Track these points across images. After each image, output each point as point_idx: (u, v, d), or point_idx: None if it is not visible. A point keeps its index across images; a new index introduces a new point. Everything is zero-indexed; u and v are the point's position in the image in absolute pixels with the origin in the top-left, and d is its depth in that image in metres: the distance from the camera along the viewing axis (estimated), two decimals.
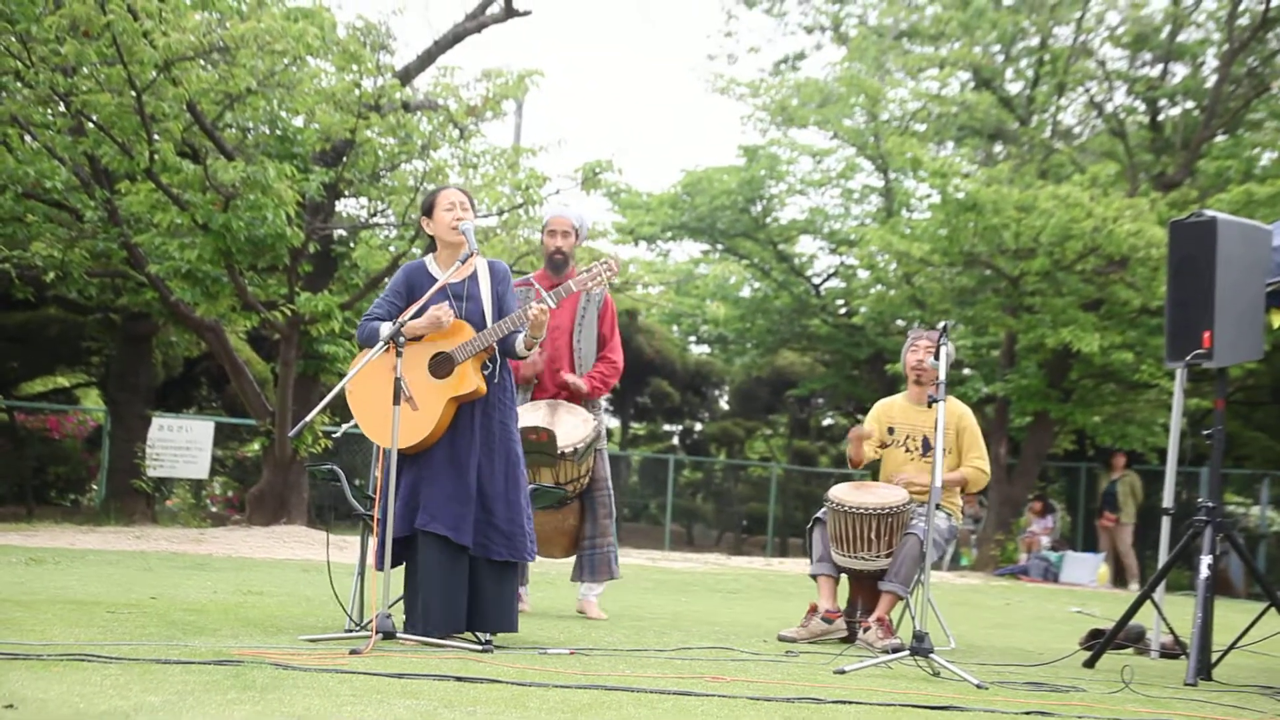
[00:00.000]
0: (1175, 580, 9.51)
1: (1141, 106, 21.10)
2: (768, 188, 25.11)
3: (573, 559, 7.59)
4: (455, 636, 5.33)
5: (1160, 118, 20.93)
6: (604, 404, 7.61)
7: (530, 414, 7.18)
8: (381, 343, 5.20)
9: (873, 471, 7.36)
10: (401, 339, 5.19)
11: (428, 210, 5.59)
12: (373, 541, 5.40)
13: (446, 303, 5.41)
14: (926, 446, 7.08)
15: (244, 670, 4.05)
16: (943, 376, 5.75)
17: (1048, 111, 21.53)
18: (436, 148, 14.13)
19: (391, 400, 5.18)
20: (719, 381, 29.43)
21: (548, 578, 9.98)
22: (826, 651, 6.21)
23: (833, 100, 23.17)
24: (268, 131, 13.44)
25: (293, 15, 12.72)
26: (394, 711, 3.52)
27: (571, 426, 7.13)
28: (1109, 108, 20.93)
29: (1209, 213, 6.57)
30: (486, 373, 5.46)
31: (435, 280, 5.49)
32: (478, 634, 5.38)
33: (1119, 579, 18.00)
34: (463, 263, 5.44)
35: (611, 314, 7.51)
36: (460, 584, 5.32)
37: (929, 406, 5.87)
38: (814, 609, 6.92)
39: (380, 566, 5.19)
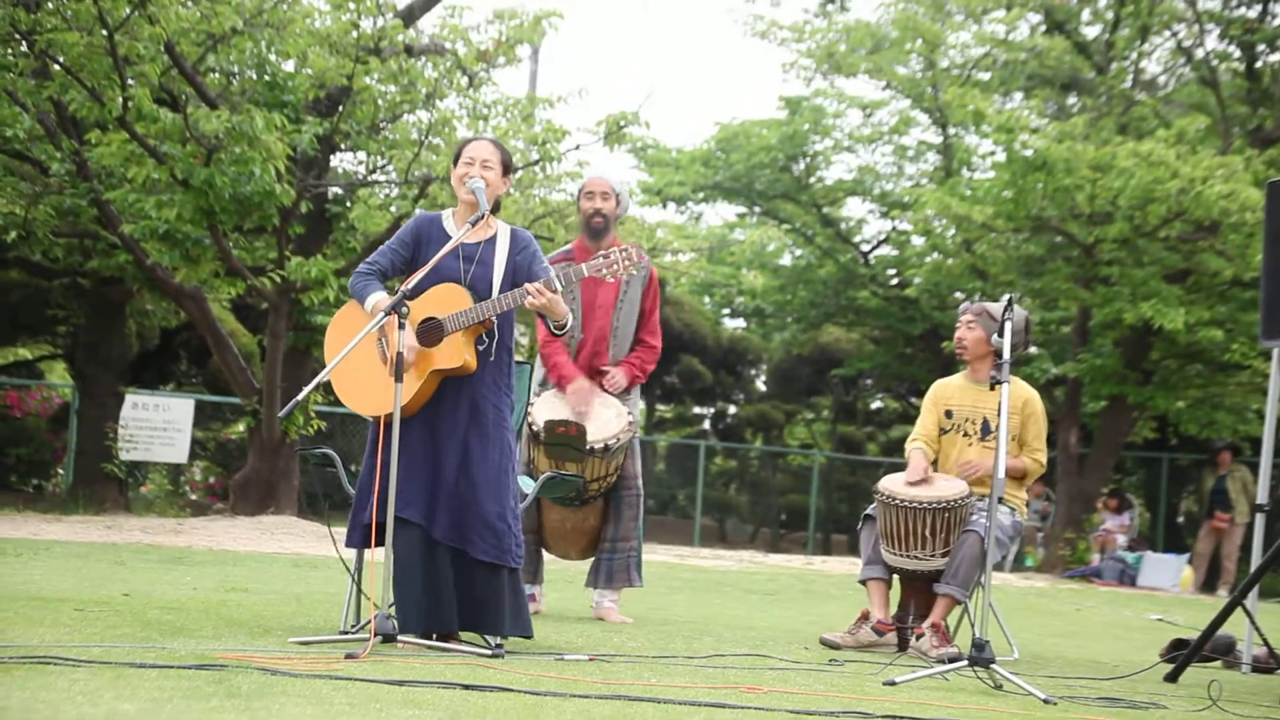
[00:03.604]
0: (1270, 585, 9.47)
1: (1236, 52, 20.90)
2: (812, 144, 25.03)
3: (589, 562, 7.61)
4: (453, 638, 5.35)
5: (1258, 65, 20.73)
6: (638, 390, 7.62)
7: (559, 403, 7.19)
8: (383, 313, 5.20)
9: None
10: (405, 309, 5.19)
11: (456, 159, 5.61)
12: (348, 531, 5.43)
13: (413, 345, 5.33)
14: (986, 430, 7.06)
15: (228, 675, 4.06)
16: (1007, 355, 5.73)
17: (1129, 58, 21.36)
18: (443, 97, 14.12)
19: (369, 363, 5.27)
20: (755, 359, 29.40)
21: (565, 576, 9.99)
22: (875, 660, 6.20)
23: (885, 45, 23.06)
24: (255, 77, 13.44)
25: None
26: None
27: (604, 421, 7.13)
28: (1199, 54, 20.75)
29: None
30: (481, 349, 5.45)
31: (447, 235, 5.50)
32: (486, 637, 5.39)
33: (1208, 584, 17.92)
34: (473, 225, 5.43)
35: (654, 289, 7.54)
36: (445, 578, 5.32)
37: (991, 388, 5.84)
38: (865, 616, 6.91)
39: (361, 544, 5.30)
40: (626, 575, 7.41)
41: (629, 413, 7.26)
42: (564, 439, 6.94)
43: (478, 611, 5.36)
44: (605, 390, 7.35)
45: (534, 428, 7.05)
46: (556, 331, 5.56)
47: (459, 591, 5.34)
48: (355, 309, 5.49)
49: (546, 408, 7.15)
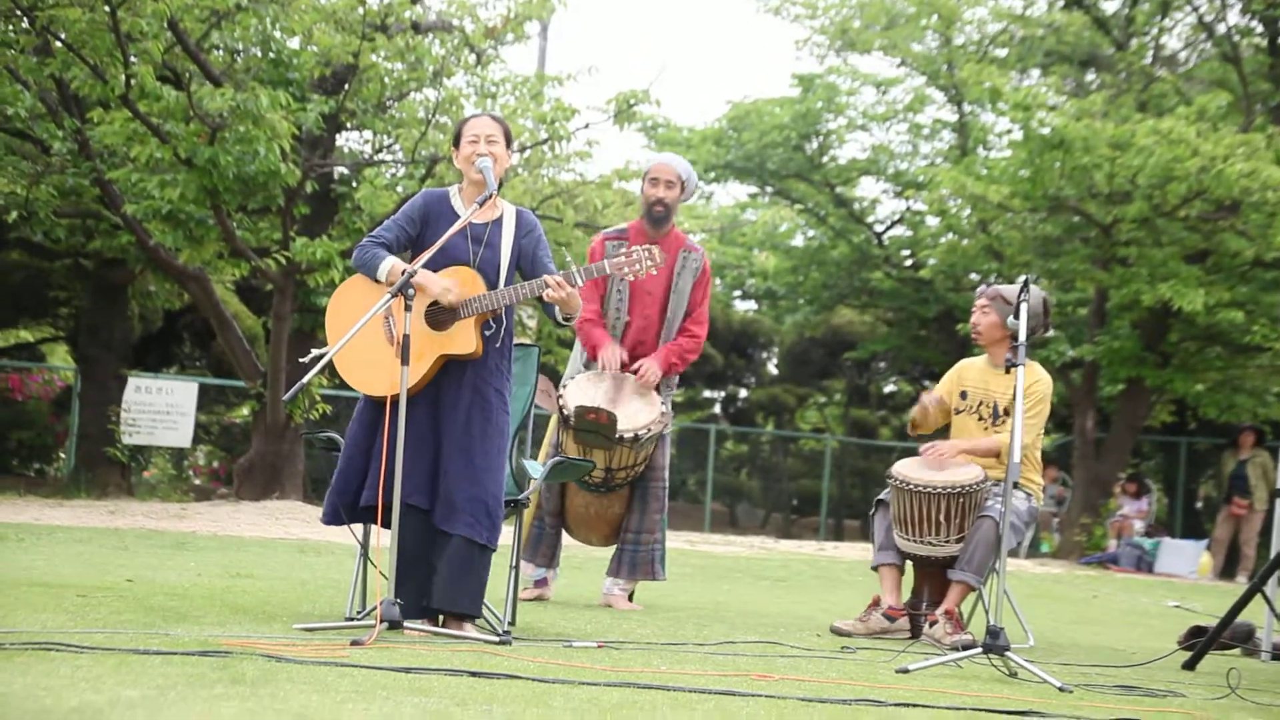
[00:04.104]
0: None
1: (1259, 27, 20.81)
2: (825, 122, 24.97)
3: (610, 549, 7.61)
4: (452, 621, 5.37)
5: None
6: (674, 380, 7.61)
7: (593, 387, 7.18)
8: (389, 295, 5.19)
9: None
10: (411, 290, 5.19)
11: (456, 140, 5.60)
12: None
13: (453, 282, 5.37)
14: (997, 414, 7.07)
15: (232, 662, 4.07)
16: (1023, 337, 5.73)
17: (1149, 34, 21.28)
18: (450, 74, 14.11)
19: (375, 342, 5.30)
20: (767, 342, 29.38)
21: (574, 562, 10.02)
22: (888, 648, 6.21)
23: (900, 21, 22.99)
24: (259, 54, 13.43)
25: None
26: (401, 710, 3.54)
27: (636, 410, 7.12)
28: (1220, 29, 20.66)
29: None
30: (488, 333, 5.46)
31: (455, 213, 5.50)
32: (493, 624, 5.41)
33: (1227, 570, 17.90)
34: (480, 205, 5.43)
35: (705, 282, 7.54)
36: (438, 560, 5.37)
37: (1006, 371, 5.84)
38: (876, 602, 6.93)
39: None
40: (650, 568, 7.42)
41: (662, 403, 7.26)
42: (593, 425, 6.94)
43: (461, 589, 5.36)
44: (638, 380, 7.34)
45: (564, 411, 7.05)
46: (564, 322, 5.55)
47: (443, 569, 5.35)
48: (358, 284, 5.49)
49: (579, 392, 7.14)
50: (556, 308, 5.47)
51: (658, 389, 7.36)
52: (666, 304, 7.44)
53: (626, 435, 6.99)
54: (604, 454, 7.03)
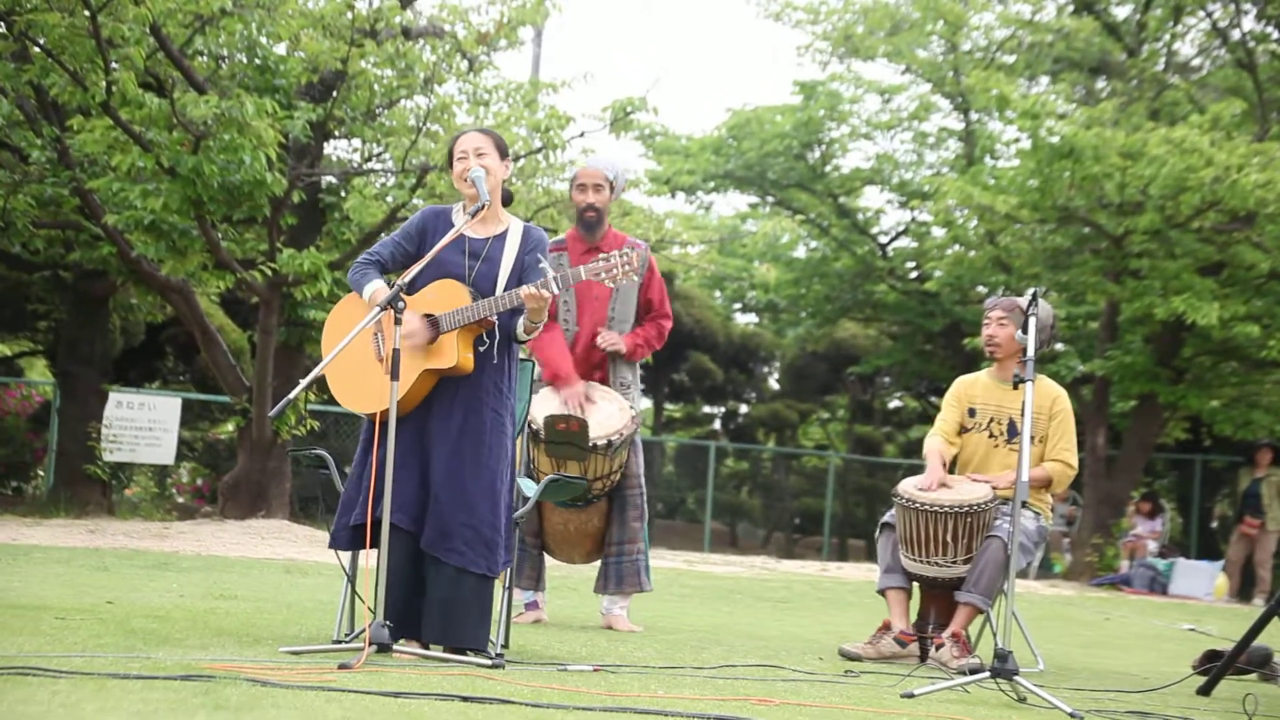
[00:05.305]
0: None
1: (1275, 33, 20.88)
2: (827, 130, 25.04)
3: (595, 565, 7.61)
4: (449, 649, 5.36)
5: None
6: (640, 384, 7.66)
7: (558, 398, 7.19)
8: (378, 307, 5.20)
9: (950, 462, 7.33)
10: (401, 303, 5.19)
11: (449, 160, 5.63)
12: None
13: (420, 326, 5.35)
14: (1013, 431, 7.07)
15: (216, 687, 4.07)
16: (1031, 352, 5.73)
17: (1161, 40, 21.34)
18: (441, 81, 14.12)
19: (364, 359, 5.33)
20: (768, 356, 29.41)
21: (569, 583, 10.02)
22: (893, 672, 6.20)
23: (905, 27, 23.06)
24: (245, 60, 13.44)
25: None
26: None
27: (606, 415, 7.13)
28: (1235, 35, 20.73)
29: None
30: (482, 349, 5.46)
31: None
32: (484, 646, 5.41)
33: (1244, 592, 17.90)
34: (474, 216, 5.44)
35: (657, 279, 7.59)
36: (420, 587, 5.37)
37: (1015, 387, 5.84)
38: (886, 626, 6.91)
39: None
40: (637, 579, 7.42)
41: (631, 406, 7.28)
42: (565, 436, 6.94)
43: (457, 622, 5.35)
44: (598, 345, 7.34)
45: (533, 426, 7.05)
46: (523, 337, 5.50)
47: (438, 601, 5.34)
48: (354, 301, 5.52)
49: (545, 404, 7.15)
50: (518, 327, 5.44)
51: (624, 391, 7.38)
52: (613, 305, 7.46)
53: (600, 442, 7.01)
54: (578, 465, 7.03)
